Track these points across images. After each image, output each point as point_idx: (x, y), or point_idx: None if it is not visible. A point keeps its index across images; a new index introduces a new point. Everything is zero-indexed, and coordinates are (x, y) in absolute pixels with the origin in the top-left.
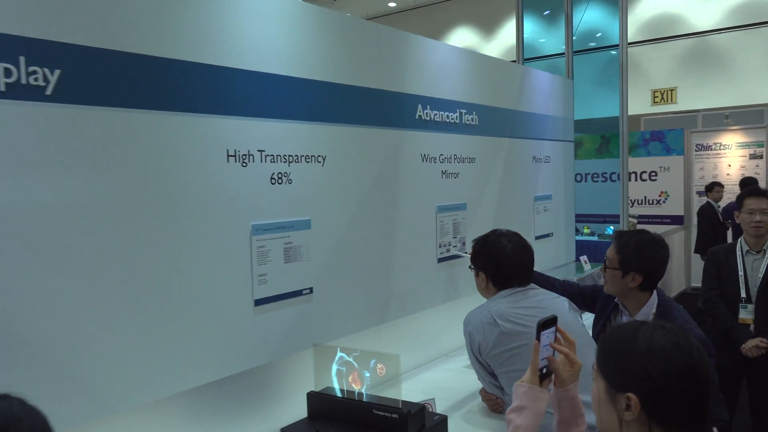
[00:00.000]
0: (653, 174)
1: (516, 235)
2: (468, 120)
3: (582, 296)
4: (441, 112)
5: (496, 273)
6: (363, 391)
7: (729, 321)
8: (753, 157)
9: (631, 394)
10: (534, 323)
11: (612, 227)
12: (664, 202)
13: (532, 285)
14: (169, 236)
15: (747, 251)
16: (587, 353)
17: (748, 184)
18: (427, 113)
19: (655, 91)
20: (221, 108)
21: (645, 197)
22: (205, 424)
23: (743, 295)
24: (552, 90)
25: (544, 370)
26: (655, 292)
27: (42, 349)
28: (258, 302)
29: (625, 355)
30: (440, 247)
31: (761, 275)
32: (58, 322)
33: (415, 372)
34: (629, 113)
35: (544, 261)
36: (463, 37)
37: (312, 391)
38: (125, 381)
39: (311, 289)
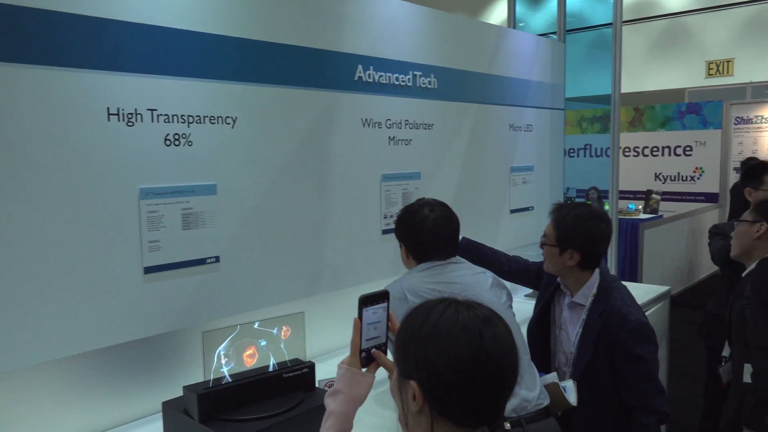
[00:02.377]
0: (688, 149)
1: (441, 204)
2: (424, 83)
3: (528, 273)
4: (388, 74)
5: (415, 245)
6: (271, 363)
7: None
8: None
9: (413, 383)
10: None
11: (633, 204)
12: (698, 178)
13: (456, 259)
14: (45, 200)
15: None
16: None
17: None
18: (369, 74)
19: (710, 63)
20: (100, 63)
21: (678, 173)
22: (98, 389)
23: None
24: (537, 53)
25: (371, 351)
26: (597, 271)
27: None
28: (148, 270)
29: (412, 338)
30: (386, 218)
31: None
32: None
33: (346, 350)
34: (679, 86)
35: (521, 236)
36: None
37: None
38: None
39: (217, 258)
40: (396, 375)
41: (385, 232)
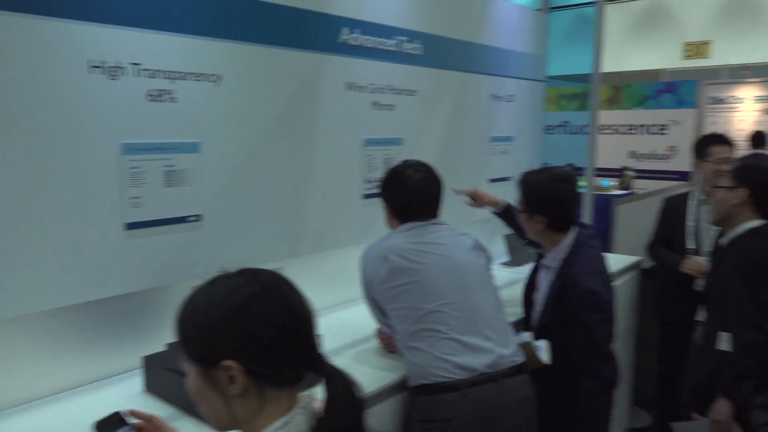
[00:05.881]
0: (663, 127)
1: (424, 165)
2: (409, 48)
3: None
4: (373, 38)
5: (398, 205)
6: None
7: (678, 258)
8: None
9: (228, 362)
10: (429, 261)
11: (608, 180)
12: (672, 156)
13: (437, 220)
14: (26, 152)
15: (702, 201)
16: (475, 297)
17: (757, 139)
18: (355, 37)
19: (688, 44)
20: (83, 14)
21: (653, 151)
22: (77, 344)
23: (691, 246)
24: (521, 23)
25: None
26: (572, 234)
27: None
28: (130, 226)
29: (208, 321)
30: (367, 182)
31: None
32: None
33: (329, 311)
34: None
35: None
36: None
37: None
38: None
39: (199, 217)
40: (197, 375)
41: (366, 196)
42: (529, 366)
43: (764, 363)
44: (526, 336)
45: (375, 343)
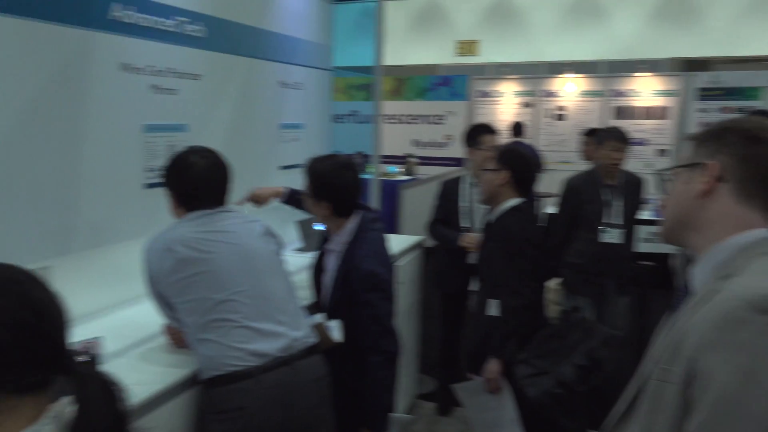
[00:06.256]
0: (441, 118)
1: (210, 151)
2: (191, 30)
3: None
4: (150, 16)
5: (183, 193)
6: None
7: (455, 234)
8: (525, 105)
9: None
10: (218, 249)
11: (394, 167)
12: (450, 144)
13: (227, 207)
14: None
15: (473, 183)
16: (266, 283)
17: (517, 128)
18: (129, 14)
19: (459, 42)
20: None
21: (433, 140)
22: None
23: (465, 224)
24: (307, 12)
25: None
26: (356, 217)
27: None
28: None
29: None
30: (149, 171)
31: None
32: None
33: (110, 310)
34: (434, 62)
35: None
36: None
37: None
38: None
39: None
40: None
41: (148, 186)
42: (323, 345)
43: (525, 324)
44: (318, 317)
45: (163, 339)
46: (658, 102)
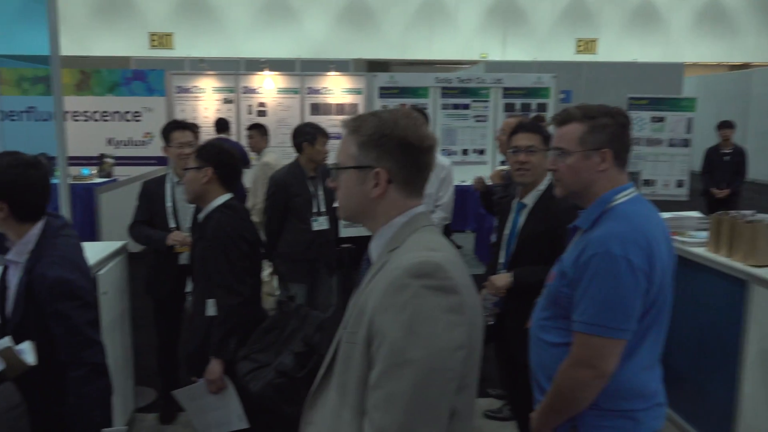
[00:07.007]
0: (137, 114)
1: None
2: None
3: None
4: None
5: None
6: None
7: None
8: (226, 101)
9: None
10: None
11: (87, 169)
12: (149, 142)
13: None
14: None
15: (177, 182)
16: None
17: (221, 125)
18: None
19: (153, 35)
20: None
21: (130, 138)
22: None
23: (172, 225)
24: None
25: None
26: (41, 223)
27: None
28: None
29: None
30: None
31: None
32: None
33: None
34: (126, 54)
35: None
36: None
37: None
38: None
39: None
40: None
41: None
42: (15, 372)
43: (243, 321)
44: (6, 341)
45: None
46: (348, 99)
